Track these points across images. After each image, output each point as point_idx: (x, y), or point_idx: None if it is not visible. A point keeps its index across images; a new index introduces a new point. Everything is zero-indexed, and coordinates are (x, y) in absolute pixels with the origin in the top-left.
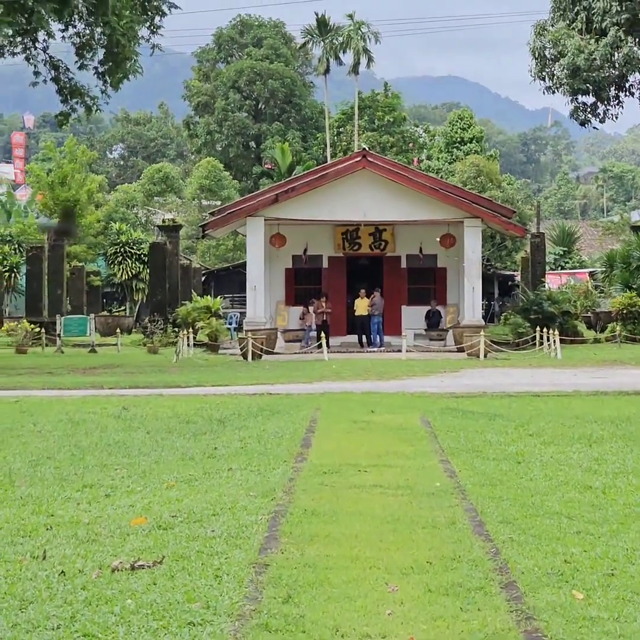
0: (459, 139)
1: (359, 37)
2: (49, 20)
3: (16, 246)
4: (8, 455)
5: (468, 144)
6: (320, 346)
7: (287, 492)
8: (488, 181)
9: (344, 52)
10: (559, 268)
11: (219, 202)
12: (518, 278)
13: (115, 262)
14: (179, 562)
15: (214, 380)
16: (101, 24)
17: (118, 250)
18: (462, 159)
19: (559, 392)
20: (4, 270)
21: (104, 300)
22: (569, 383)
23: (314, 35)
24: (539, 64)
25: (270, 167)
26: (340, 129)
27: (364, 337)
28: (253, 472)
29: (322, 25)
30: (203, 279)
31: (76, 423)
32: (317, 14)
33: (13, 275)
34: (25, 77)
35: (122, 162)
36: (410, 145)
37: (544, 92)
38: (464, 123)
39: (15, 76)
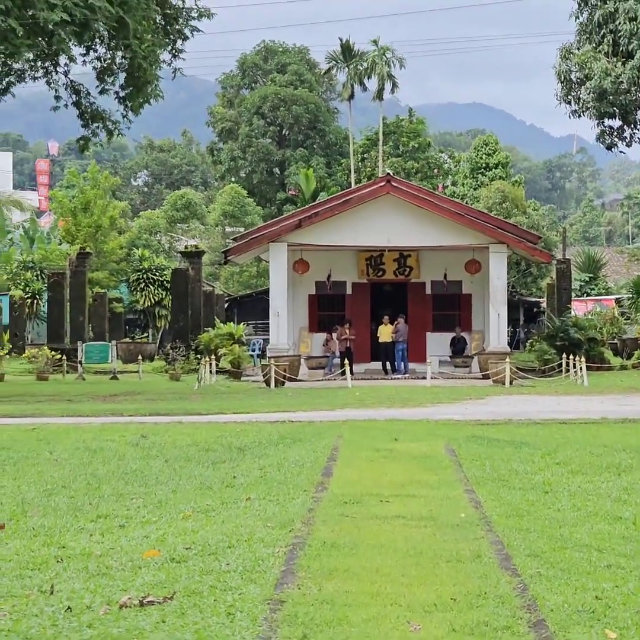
0: (484, 165)
1: (384, 63)
2: (70, 44)
3: (38, 272)
4: (22, 484)
5: (493, 170)
6: (343, 373)
7: (306, 523)
8: (513, 207)
9: (368, 78)
10: (585, 295)
11: (242, 229)
12: (544, 304)
13: (138, 288)
14: (191, 597)
15: (235, 407)
16: (122, 48)
17: (140, 276)
18: (487, 184)
19: (586, 419)
20: (26, 296)
21: (127, 327)
22: (596, 410)
23: (339, 61)
24: (564, 88)
25: (294, 193)
26: (365, 155)
27: (388, 363)
28: (272, 502)
29: (347, 50)
30: (226, 305)
31: (93, 451)
32: (341, 40)
33: (35, 301)
34: (49, 104)
35: (146, 189)
36: (435, 171)
37: (569, 116)
38: (489, 148)
39: (39, 103)
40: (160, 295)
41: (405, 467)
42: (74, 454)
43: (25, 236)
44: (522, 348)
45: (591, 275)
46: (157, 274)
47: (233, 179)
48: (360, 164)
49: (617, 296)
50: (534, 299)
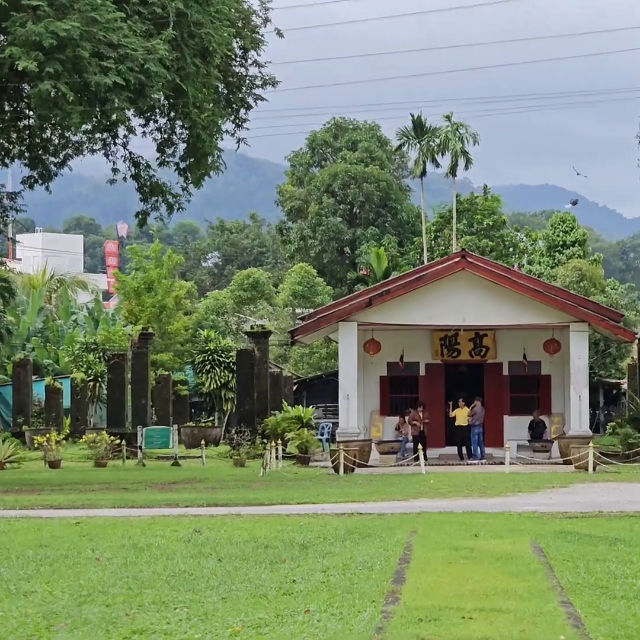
0: (561, 243)
1: (457, 139)
2: (128, 113)
3: (101, 354)
4: (56, 589)
5: (570, 248)
6: (417, 458)
7: None
8: (591, 285)
9: (441, 154)
10: None
11: (311, 309)
12: (624, 386)
13: (203, 370)
14: None
15: (300, 497)
16: (181, 117)
17: (206, 358)
18: (564, 263)
19: None
20: (88, 379)
21: (192, 410)
22: None
23: (410, 137)
24: None
25: (365, 273)
26: (438, 233)
27: (463, 448)
28: (334, 615)
29: (418, 126)
30: (295, 388)
31: (140, 549)
32: (412, 115)
33: (98, 384)
34: (122, 188)
35: (216, 271)
36: (511, 249)
37: None
38: (566, 226)
39: (114, 188)
40: (227, 378)
41: (489, 571)
42: (118, 553)
43: (89, 317)
44: (603, 431)
45: None
46: (224, 355)
47: (302, 258)
48: (433, 242)
49: None
50: (613, 381)
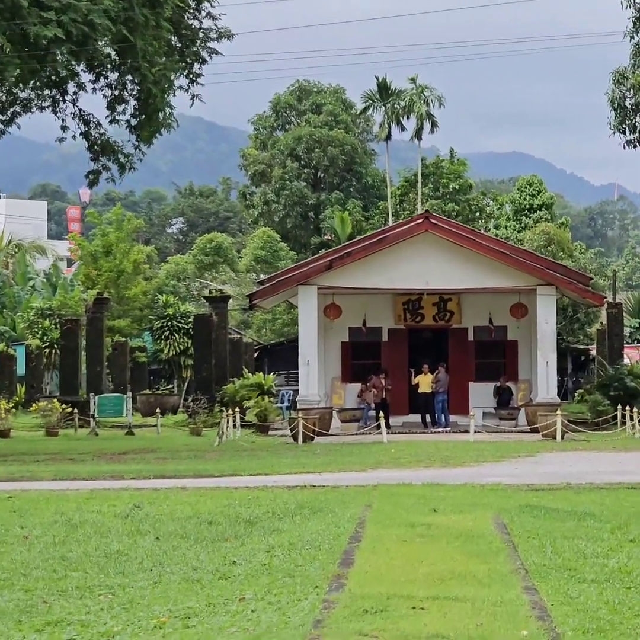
0: (528, 206)
1: (422, 102)
2: (76, 68)
3: (57, 320)
4: None
5: (537, 211)
6: (379, 426)
7: None
8: (559, 250)
9: (407, 118)
10: (635, 341)
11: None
12: (593, 352)
13: (162, 337)
14: None
15: (252, 468)
16: (131, 71)
17: (165, 324)
18: (531, 227)
19: None
20: (43, 346)
21: (151, 378)
22: None
23: (375, 100)
24: (618, 116)
25: (329, 238)
26: (403, 198)
27: (427, 416)
28: (271, 604)
29: (383, 89)
30: (256, 354)
31: (73, 526)
32: (377, 78)
33: (54, 351)
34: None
35: (180, 237)
36: (477, 213)
37: (624, 147)
38: (534, 189)
39: (80, 155)
40: (186, 344)
41: (446, 550)
42: (48, 530)
43: (47, 283)
44: (570, 398)
45: None
46: (183, 321)
47: (266, 223)
48: (398, 206)
49: None
50: (582, 347)
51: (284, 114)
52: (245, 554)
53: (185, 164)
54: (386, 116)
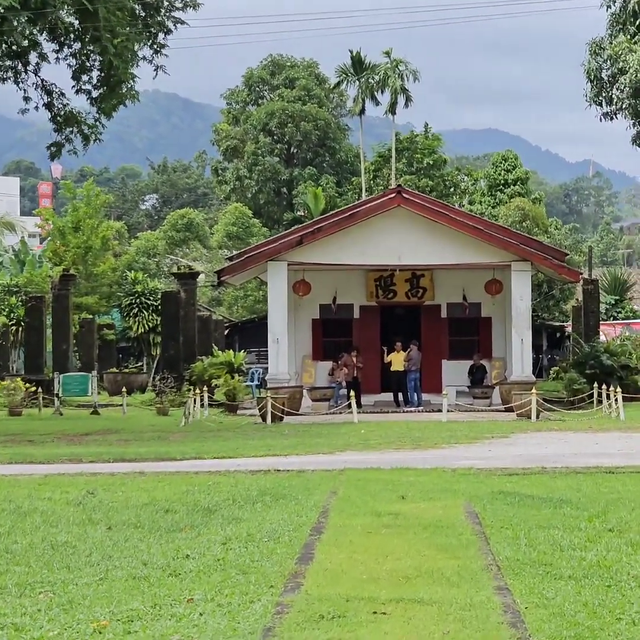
0: (502, 181)
1: (397, 76)
2: (40, 37)
3: (23, 297)
4: None
5: (512, 186)
6: (350, 406)
7: None
8: (534, 226)
9: (381, 92)
10: (611, 318)
11: None
12: (569, 329)
13: (131, 314)
14: None
15: (217, 450)
16: (92, 41)
17: (133, 301)
18: (506, 202)
19: (637, 466)
20: (10, 323)
21: (120, 356)
22: None
23: (349, 74)
24: (594, 87)
25: (302, 214)
26: (377, 173)
27: (400, 395)
28: (221, 607)
29: (358, 63)
30: (226, 332)
31: (22, 514)
32: (351, 52)
33: (20, 329)
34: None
35: (153, 213)
36: (451, 189)
37: (600, 119)
38: (508, 165)
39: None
40: (155, 322)
41: (413, 543)
42: None
43: (15, 260)
44: (545, 376)
45: (617, 297)
46: (152, 298)
47: (239, 199)
48: (372, 182)
49: None
50: (557, 324)
51: (257, 88)
52: (200, 547)
53: (161, 140)
54: (360, 90)
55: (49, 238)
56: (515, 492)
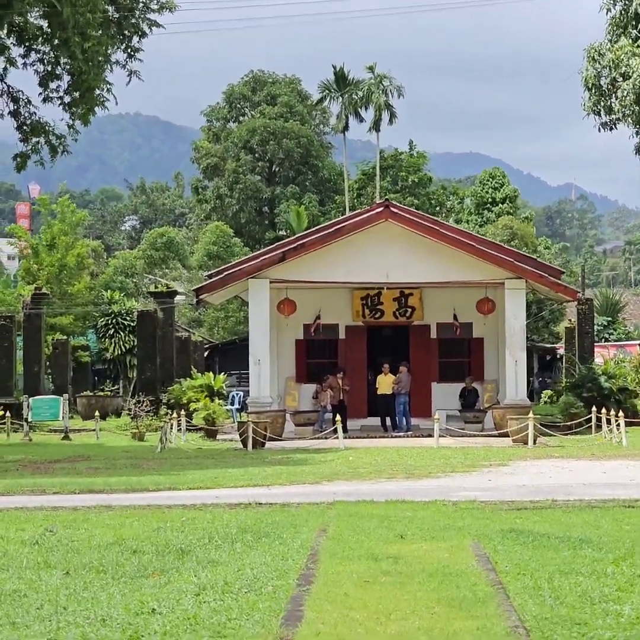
0: (490, 200)
1: (380, 92)
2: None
3: None
4: None
5: (500, 205)
6: (336, 431)
7: None
8: (523, 245)
9: (365, 109)
10: (603, 340)
11: None
12: (561, 351)
13: (107, 335)
14: None
15: (193, 480)
16: (60, 45)
17: (109, 321)
18: (494, 221)
19: None
20: None
21: (96, 378)
22: None
23: (332, 90)
24: (593, 96)
25: (285, 233)
26: (361, 191)
27: (387, 419)
28: None
29: (341, 79)
30: (206, 354)
31: None
32: (334, 67)
33: None
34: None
35: (133, 234)
36: (437, 208)
37: (599, 129)
38: (496, 182)
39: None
40: (132, 343)
41: (420, 597)
42: None
43: None
44: (537, 399)
45: (610, 318)
46: (128, 318)
47: (219, 218)
48: (355, 201)
49: None
50: (548, 345)
51: (238, 105)
52: (169, 598)
53: (142, 163)
54: (343, 107)
55: (22, 257)
56: (527, 530)
